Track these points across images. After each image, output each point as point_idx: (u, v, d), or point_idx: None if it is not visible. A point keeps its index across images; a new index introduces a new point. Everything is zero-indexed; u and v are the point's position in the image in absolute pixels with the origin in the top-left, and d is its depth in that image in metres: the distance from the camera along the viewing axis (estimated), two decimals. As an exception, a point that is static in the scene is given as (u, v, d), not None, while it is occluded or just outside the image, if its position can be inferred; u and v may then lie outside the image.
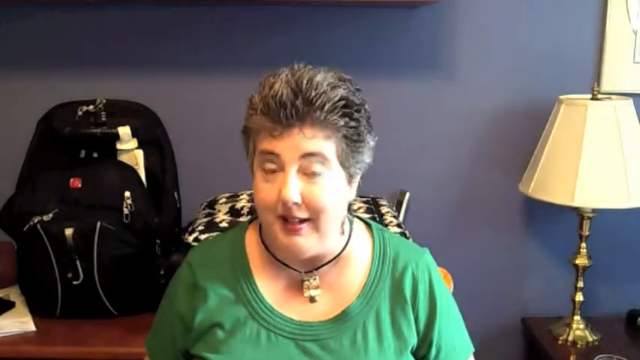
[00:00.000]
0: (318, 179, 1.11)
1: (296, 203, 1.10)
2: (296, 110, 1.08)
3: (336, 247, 1.22)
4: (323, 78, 1.12)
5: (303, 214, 1.11)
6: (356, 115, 1.13)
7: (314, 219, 1.12)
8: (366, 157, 1.18)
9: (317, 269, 1.22)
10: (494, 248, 2.27)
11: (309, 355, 1.18)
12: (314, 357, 1.18)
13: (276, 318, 1.20)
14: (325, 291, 1.22)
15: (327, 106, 1.09)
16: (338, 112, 1.10)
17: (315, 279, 1.22)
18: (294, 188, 1.10)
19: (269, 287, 1.22)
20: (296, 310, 1.21)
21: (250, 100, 1.15)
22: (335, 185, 1.13)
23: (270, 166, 1.12)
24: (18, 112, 2.11)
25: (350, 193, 1.19)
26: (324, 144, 1.10)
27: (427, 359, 1.25)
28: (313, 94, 1.09)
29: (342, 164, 1.14)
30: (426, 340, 1.24)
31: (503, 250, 2.27)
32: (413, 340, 1.22)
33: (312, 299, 1.21)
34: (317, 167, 1.11)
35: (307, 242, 1.14)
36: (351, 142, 1.13)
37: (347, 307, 1.21)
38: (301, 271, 1.22)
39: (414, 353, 1.24)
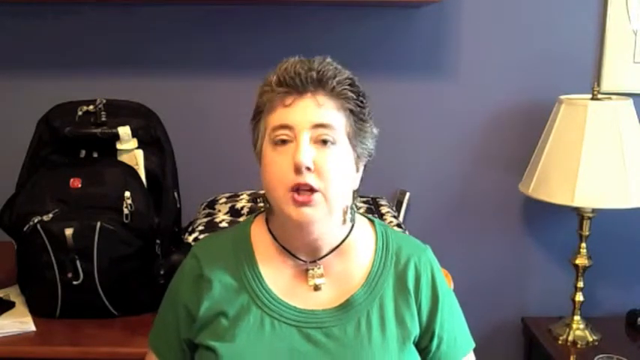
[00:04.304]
0: (329, 149, 1.15)
1: (308, 168, 1.13)
2: (310, 78, 1.15)
3: (338, 235, 1.24)
4: (331, 61, 1.20)
5: (314, 182, 1.13)
6: (361, 98, 1.19)
7: (323, 190, 1.14)
8: (370, 142, 1.22)
9: (321, 259, 1.23)
10: (494, 248, 2.27)
11: (313, 342, 1.19)
12: (318, 344, 1.19)
13: (280, 306, 1.21)
14: (329, 280, 1.24)
15: (338, 78, 1.16)
16: (347, 86, 1.17)
17: (319, 268, 1.23)
18: (307, 151, 1.13)
19: (273, 277, 1.24)
20: (300, 299, 1.22)
21: (264, 80, 1.19)
22: (344, 159, 1.17)
23: (283, 137, 1.15)
24: (18, 112, 2.11)
25: (355, 179, 1.22)
26: (334, 115, 1.16)
27: (429, 350, 1.26)
28: (325, 68, 1.17)
29: (350, 141, 1.18)
30: (428, 330, 1.25)
31: (503, 250, 2.27)
32: (415, 331, 1.24)
33: (316, 287, 1.23)
34: (328, 137, 1.15)
35: (317, 212, 1.15)
36: (358, 119, 1.18)
37: (351, 295, 1.22)
38: (306, 261, 1.23)
39: (417, 344, 1.25)
